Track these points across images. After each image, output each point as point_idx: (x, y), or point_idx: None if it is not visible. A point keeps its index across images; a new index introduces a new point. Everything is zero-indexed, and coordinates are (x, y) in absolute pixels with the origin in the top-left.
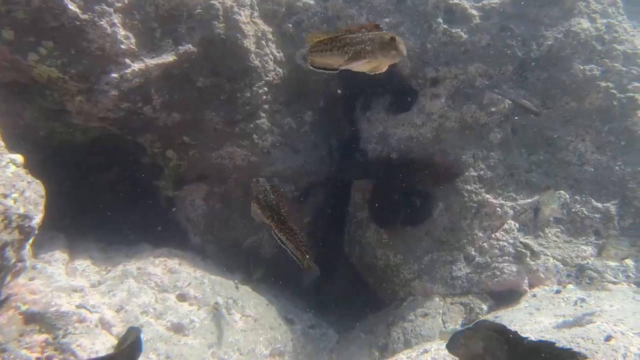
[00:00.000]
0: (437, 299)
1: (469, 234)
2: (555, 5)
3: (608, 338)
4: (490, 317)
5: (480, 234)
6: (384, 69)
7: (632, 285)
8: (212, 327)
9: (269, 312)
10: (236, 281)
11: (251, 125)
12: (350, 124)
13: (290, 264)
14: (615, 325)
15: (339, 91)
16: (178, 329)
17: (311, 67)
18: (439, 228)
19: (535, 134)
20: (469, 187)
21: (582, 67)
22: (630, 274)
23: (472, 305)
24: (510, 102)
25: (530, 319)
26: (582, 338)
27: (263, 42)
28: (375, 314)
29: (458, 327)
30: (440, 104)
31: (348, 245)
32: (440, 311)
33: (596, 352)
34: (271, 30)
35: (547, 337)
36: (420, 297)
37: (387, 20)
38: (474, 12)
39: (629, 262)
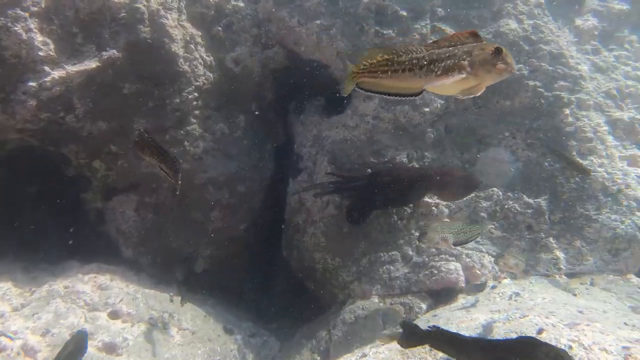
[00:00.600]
0: (376, 300)
1: (405, 234)
2: (484, 7)
3: (540, 331)
4: (428, 315)
5: (417, 234)
6: (482, 90)
7: (564, 277)
8: (147, 344)
9: (207, 323)
10: (172, 294)
11: (182, 131)
12: (285, 127)
13: (229, 273)
14: (547, 317)
15: (271, 95)
16: (110, 348)
17: (360, 89)
18: (376, 229)
19: (468, 133)
20: None
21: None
22: (561, 266)
23: (411, 305)
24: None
25: (467, 316)
26: (515, 332)
27: (192, 46)
28: (316, 319)
29: (398, 328)
30: (373, 106)
31: (286, 250)
32: (381, 312)
33: None
34: (200, 34)
35: (483, 334)
36: (360, 299)
37: (318, 22)
38: (405, 13)
39: (559, 254)
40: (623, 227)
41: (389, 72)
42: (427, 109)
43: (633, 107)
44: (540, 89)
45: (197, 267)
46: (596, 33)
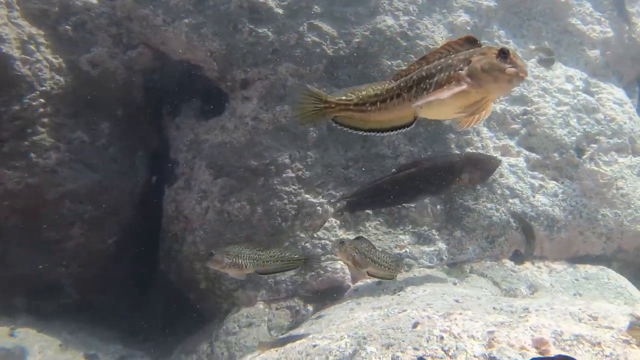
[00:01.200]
0: (261, 306)
1: (290, 236)
2: (361, 4)
3: (415, 325)
4: (314, 317)
5: (302, 235)
6: (490, 105)
7: (446, 267)
8: None
9: (62, 353)
10: (13, 327)
11: (25, 142)
12: (159, 132)
13: (97, 293)
14: (424, 310)
15: (141, 98)
16: None
17: (339, 126)
18: (259, 233)
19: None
20: (287, 188)
21: (389, 63)
22: (443, 257)
23: (298, 308)
24: None
25: (349, 315)
26: (393, 329)
27: (32, 46)
28: (198, 332)
29: (289, 333)
30: (252, 107)
31: (163, 262)
32: (266, 318)
33: (403, 341)
34: (43, 33)
35: (361, 332)
36: (245, 307)
37: (186, 20)
38: (280, 10)
39: (441, 245)
40: (498, 214)
41: (378, 104)
42: None
43: (504, 99)
44: None
45: (54, 290)
46: (468, 28)
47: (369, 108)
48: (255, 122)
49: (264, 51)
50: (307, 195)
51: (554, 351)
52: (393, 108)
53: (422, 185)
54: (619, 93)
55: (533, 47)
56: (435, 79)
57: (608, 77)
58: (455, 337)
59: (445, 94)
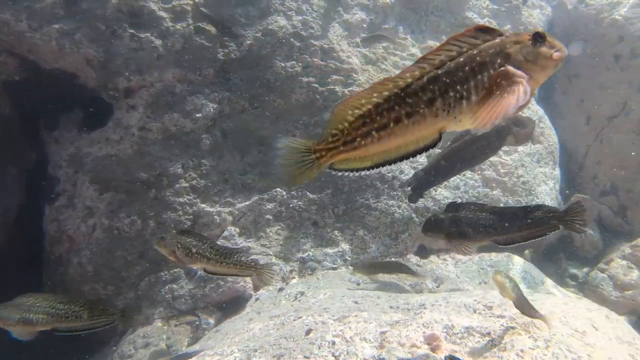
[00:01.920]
0: (159, 324)
1: None
2: (251, 5)
3: (308, 331)
4: (212, 331)
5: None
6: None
7: (350, 267)
8: None
9: None
10: None
11: None
12: (36, 147)
13: None
14: (320, 315)
15: (10, 111)
16: None
17: (337, 172)
18: (153, 248)
19: (247, 136)
20: (181, 199)
21: (284, 65)
22: (347, 257)
23: (198, 322)
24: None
25: (246, 326)
26: (286, 338)
27: None
28: (93, 356)
29: (184, 350)
30: (138, 116)
31: (47, 286)
32: (164, 336)
33: (294, 350)
34: None
35: (252, 345)
36: (141, 326)
37: (57, 26)
38: (164, 14)
39: (344, 245)
40: (400, 211)
41: (374, 133)
42: (199, 115)
43: None
44: (314, 85)
45: None
46: (365, 26)
47: (363, 142)
48: (142, 132)
49: (147, 57)
50: (203, 205)
51: (445, 346)
52: (406, 131)
53: (477, 151)
54: None
55: (432, 42)
56: (471, 83)
57: None
58: (347, 341)
59: (511, 100)
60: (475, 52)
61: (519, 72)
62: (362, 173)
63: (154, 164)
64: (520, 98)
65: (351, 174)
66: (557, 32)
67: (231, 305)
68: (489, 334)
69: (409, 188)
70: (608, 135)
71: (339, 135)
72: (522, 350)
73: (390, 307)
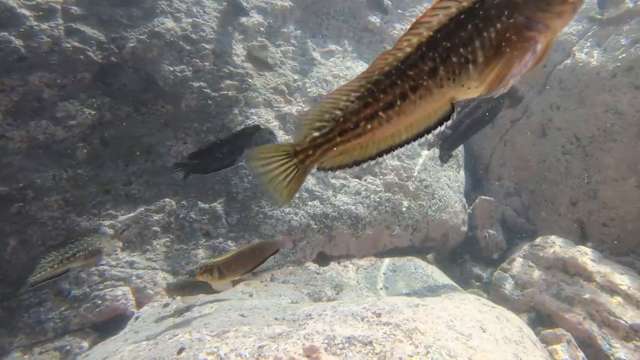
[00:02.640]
0: (17, 354)
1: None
2: (134, 5)
3: (180, 350)
4: (82, 357)
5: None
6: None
7: (245, 277)
8: None
9: None
10: None
11: None
12: None
13: None
14: (198, 332)
15: None
16: None
17: (328, 171)
18: (16, 268)
19: (132, 143)
20: (51, 213)
21: (172, 69)
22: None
23: (69, 347)
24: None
25: (120, 348)
26: (154, 359)
27: None
28: None
29: None
30: None
31: None
32: None
33: None
34: None
35: None
36: None
37: None
38: (26, 12)
39: None
40: (297, 218)
41: (382, 113)
42: (73, 122)
43: (302, 100)
44: (206, 90)
45: None
46: (262, 29)
47: (368, 126)
48: (2, 142)
49: (6, 59)
50: (78, 219)
51: (324, 357)
52: (414, 107)
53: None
54: None
55: (330, 48)
56: (476, 43)
57: None
58: (221, 358)
59: (524, 57)
60: (477, 5)
61: (531, 24)
62: (365, 165)
63: (17, 176)
64: (535, 54)
65: (349, 170)
66: None
67: (111, 325)
68: (370, 342)
69: (439, 147)
70: (511, 138)
71: (332, 126)
72: (400, 358)
73: (276, 318)
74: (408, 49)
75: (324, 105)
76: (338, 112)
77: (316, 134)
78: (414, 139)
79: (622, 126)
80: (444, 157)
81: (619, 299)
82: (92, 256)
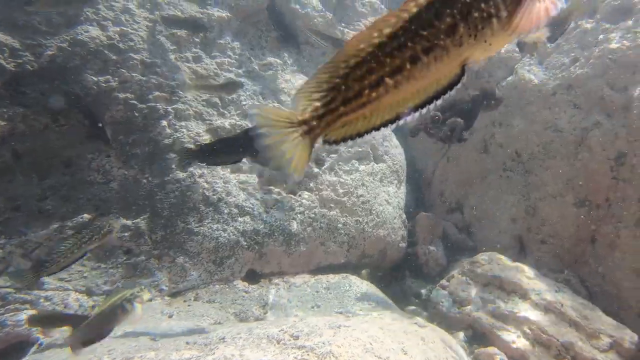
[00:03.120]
0: None
1: None
2: (57, 13)
3: None
4: None
5: None
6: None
7: (166, 298)
8: None
9: None
10: None
11: None
12: None
13: None
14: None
15: None
16: None
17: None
18: None
19: (50, 156)
20: None
21: (96, 79)
22: (163, 287)
23: None
24: None
25: None
26: None
27: None
28: None
29: None
30: None
31: None
32: None
33: None
34: None
35: None
36: None
37: None
38: None
39: (160, 275)
40: (225, 234)
41: (388, 79)
42: None
43: (236, 113)
44: (133, 101)
45: None
46: (197, 40)
47: (373, 94)
48: None
49: None
50: None
51: None
52: (426, 70)
53: None
54: None
55: (269, 60)
56: None
57: None
58: None
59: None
60: None
61: None
62: (368, 137)
63: None
64: None
65: (350, 142)
66: None
67: (10, 354)
68: None
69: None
70: (454, 153)
71: (333, 96)
72: None
73: (187, 342)
74: (415, 9)
75: (321, 75)
76: (338, 81)
77: (317, 104)
78: (422, 105)
79: (561, 143)
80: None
81: (552, 316)
82: (105, 236)
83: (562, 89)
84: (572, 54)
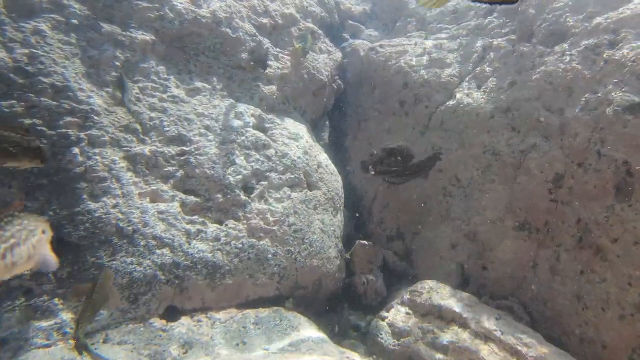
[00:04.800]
0: None
1: None
2: None
3: None
4: None
5: None
6: None
7: (70, 342)
8: None
9: None
10: None
11: None
12: None
13: None
14: None
15: None
16: None
17: None
18: None
19: None
20: None
21: (1, 103)
22: (67, 329)
23: None
24: None
25: None
26: None
27: None
28: None
29: None
30: None
31: None
32: None
33: None
34: None
35: None
36: None
37: None
38: None
39: (65, 315)
40: (141, 269)
41: None
42: None
43: (158, 139)
44: (40, 127)
45: None
46: (117, 64)
47: None
48: None
49: None
50: None
51: None
52: None
53: None
54: (296, 128)
55: (200, 84)
56: None
57: (289, 112)
58: None
59: None
60: None
61: None
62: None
63: None
64: None
65: None
66: (350, 77)
67: None
68: None
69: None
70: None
71: None
72: None
73: None
74: None
75: None
76: None
77: None
78: None
79: (499, 167)
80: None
81: (493, 345)
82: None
83: (499, 112)
84: (509, 78)
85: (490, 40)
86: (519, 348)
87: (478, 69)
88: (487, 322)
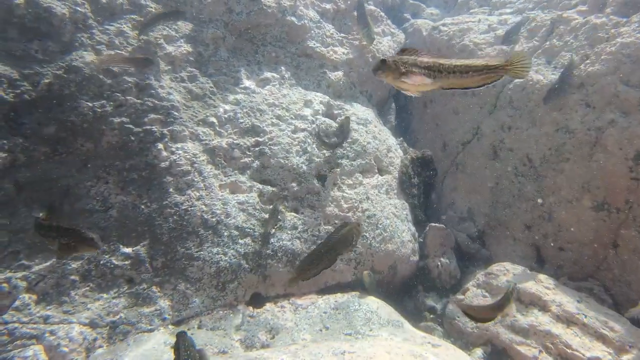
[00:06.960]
0: None
1: None
2: (49, 39)
3: None
4: None
5: None
6: None
7: (170, 326)
8: None
9: None
10: None
11: None
12: None
13: None
14: None
15: None
16: None
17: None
18: None
19: (50, 186)
20: None
21: (91, 104)
22: (166, 315)
23: None
24: None
25: None
26: None
27: None
28: None
29: None
30: None
31: None
32: None
33: None
34: None
35: None
36: None
37: None
38: None
39: (162, 303)
40: (226, 258)
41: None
42: None
43: (233, 131)
44: (128, 125)
45: None
46: (192, 59)
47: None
48: None
49: None
50: None
51: None
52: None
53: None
54: (364, 113)
55: (270, 74)
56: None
57: (356, 97)
58: None
59: None
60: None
61: None
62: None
63: None
64: None
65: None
66: None
67: None
68: None
69: None
70: (463, 161)
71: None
72: None
73: None
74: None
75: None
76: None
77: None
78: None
79: (573, 145)
80: None
81: (576, 329)
82: None
83: (572, 88)
84: (582, 52)
85: (559, 12)
86: (605, 332)
87: (547, 43)
88: (568, 305)
